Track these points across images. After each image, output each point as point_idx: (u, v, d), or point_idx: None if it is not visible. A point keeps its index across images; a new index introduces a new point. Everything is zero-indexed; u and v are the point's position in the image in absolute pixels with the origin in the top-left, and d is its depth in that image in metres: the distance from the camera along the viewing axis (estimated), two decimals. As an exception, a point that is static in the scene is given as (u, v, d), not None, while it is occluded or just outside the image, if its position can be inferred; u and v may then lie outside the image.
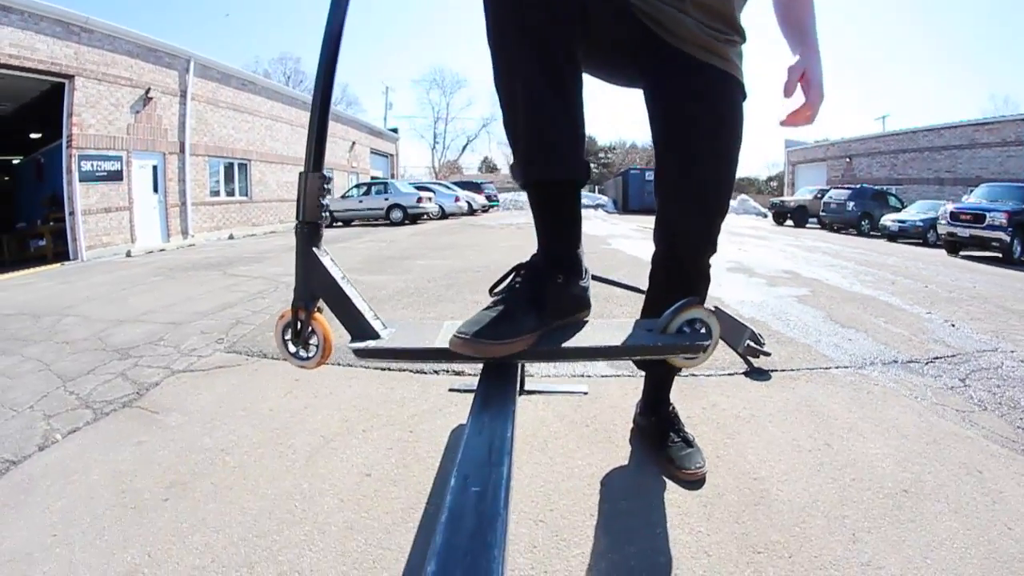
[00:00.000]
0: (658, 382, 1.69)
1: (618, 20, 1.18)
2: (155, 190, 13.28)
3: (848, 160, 28.16)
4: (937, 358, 2.95)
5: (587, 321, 1.20)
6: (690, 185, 1.29)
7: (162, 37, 13.40)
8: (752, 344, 2.54)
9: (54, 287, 6.47)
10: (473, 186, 27.40)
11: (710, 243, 1.37)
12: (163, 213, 13.46)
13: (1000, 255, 10.86)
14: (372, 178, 27.32)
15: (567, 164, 1.10)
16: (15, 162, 16.36)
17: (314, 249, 1.14)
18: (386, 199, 17.87)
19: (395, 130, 33.86)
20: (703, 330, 1.13)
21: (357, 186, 20.15)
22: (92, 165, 11.25)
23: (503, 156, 55.13)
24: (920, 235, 14.69)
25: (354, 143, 26.04)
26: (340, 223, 18.34)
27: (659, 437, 1.67)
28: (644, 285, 1.56)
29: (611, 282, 2.57)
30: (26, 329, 4.00)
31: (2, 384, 2.71)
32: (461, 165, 54.49)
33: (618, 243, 9.82)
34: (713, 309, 0.95)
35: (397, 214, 17.57)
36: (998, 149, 19.69)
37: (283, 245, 10.77)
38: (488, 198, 26.73)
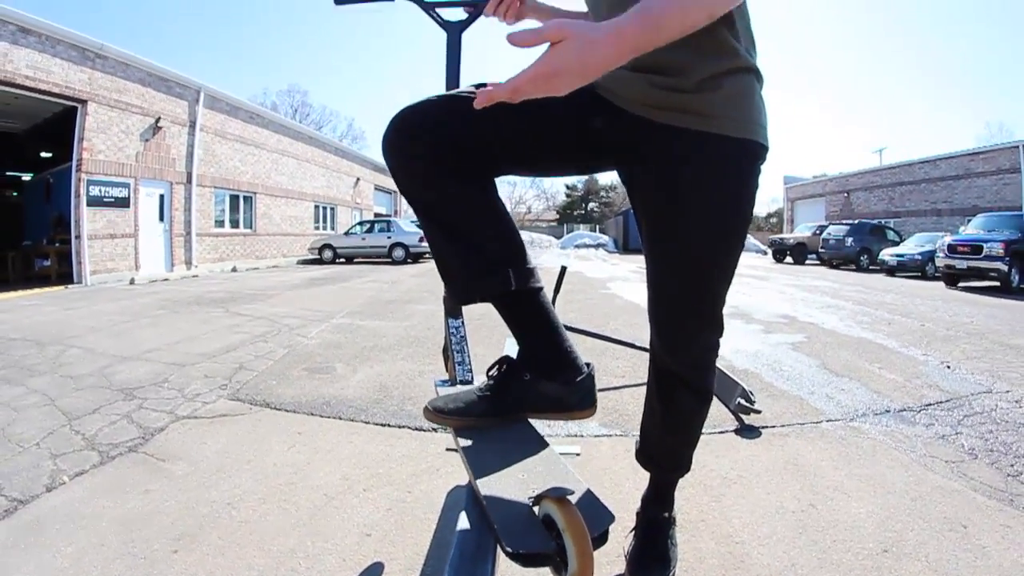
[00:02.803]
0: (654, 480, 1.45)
1: (580, 109, 1.04)
2: (161, 219, 13.47)
3: (846, 195, 28.48)
4: (930, 404, 3.01)
5: (529, 424, 1.14)
6: (662, 309, 1.12)
7: (171, 63, 13.69)
8: (743, 402, 2.59)
9: (58, 313, 6.56)
10: None
11: (700, 370, 1.16)
12: (168, 242, 13.62)
13: (999, 283, 10.98)
14: (376, 215, 27.59)
15: (496, 279, 1.04)
16: (25, 178, 16.52)
17: None
18: (389, 237, 17.97)
19: None
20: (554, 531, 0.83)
21: (360, 223, 20.32)
22: (100, 190, 11.44)
23: (504, 196, 55.80)
24: (919, 268, 14.79)
25: (358, 179, 26.32)
26: (343, 259, 18.46)
27: (640, 537, 1.40)
28: (641, 333, 1.53)
29: (596, 336, 2.57)
30: (31, 357, 4.08)
31: (7, 417, 2.77)
32: None
33: (616, 287, 9.82)
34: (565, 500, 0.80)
35: (400, 253, 17.66)
36: (993, 178, 19.89)
37: (285, 282, 10.87)
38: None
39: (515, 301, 1.09)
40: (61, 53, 10.70)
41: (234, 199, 16.71)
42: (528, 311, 1.10)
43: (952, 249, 11.83)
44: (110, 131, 11.84)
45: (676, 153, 0.98)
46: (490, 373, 1.16)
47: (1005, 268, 10.85)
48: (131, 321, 5.86)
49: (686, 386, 1.16)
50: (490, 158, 1.04)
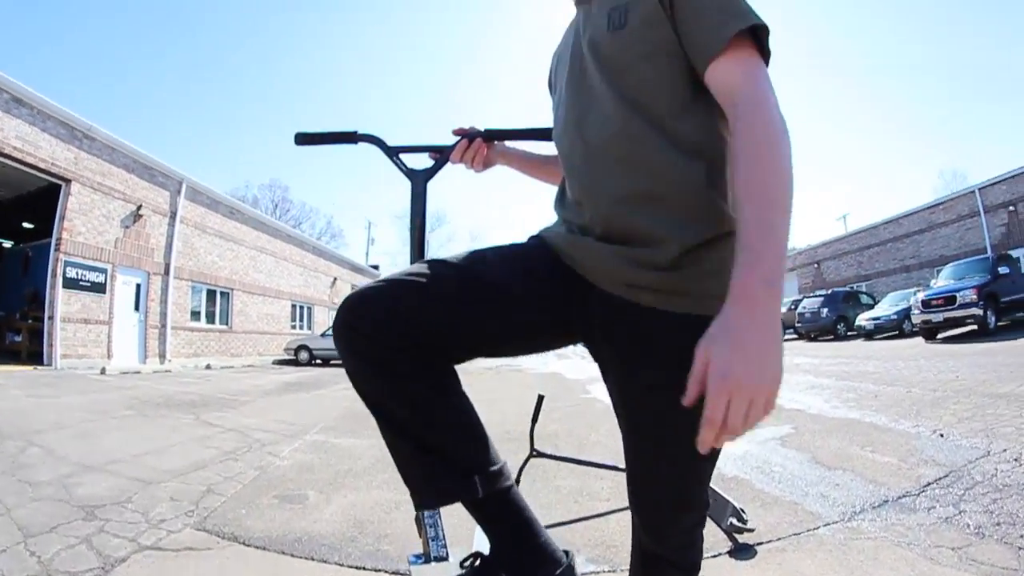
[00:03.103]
0: None
1: (545, 288, 0.96)
2: (136, 308, 13.32)
3: (816, 265, 29.35)
4: (928, 484, 2.92)
5: None
6: (642, 495, 1.02)
7: (155, 147, 14.08)
8: (735, 522, 2.47)
9: (24, 399, 6.32)
10: None
11: (686, 549, 1.05)
12: (142, 333, 13.39)
13: (976, 327, 11.23)
14: None
15: (459, 487, 0.92)
16: (6, 245, 16.30)
17: None
18: None
19: (376, 267, 34.24)
20: None
21: None
22: (77, 273, 11.33)
23: None
24: (896, 327, 15.09)
25: (335, 279, 26.40)
26: (319, 361, 18.08)
27: None
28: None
29: (577, 461, 2.42)
30: (-11, 450, 3.82)
31: (-43, 522, 2.55)
32: None
33: (597, 389, 8.97)
34: None
35: None
36: (955, 225, 20.55)
37: (259, 387, 10.38)
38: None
39: (484, 503, 0.96)
40: (51, 129, 10.85)
41: (211, 294, 16.64)
42: (498, 512, 0.97)
43: (927, 304, 12.17)
44: (92, 213, 11.87)
45: (654, 337, 0.88)
46: (464, 565, 1.01)
47: (980, 312, 11.19)
48: (98, 421, 5.60)
49: (673, 566, 1.04)
50: (447, 348, 0.93)
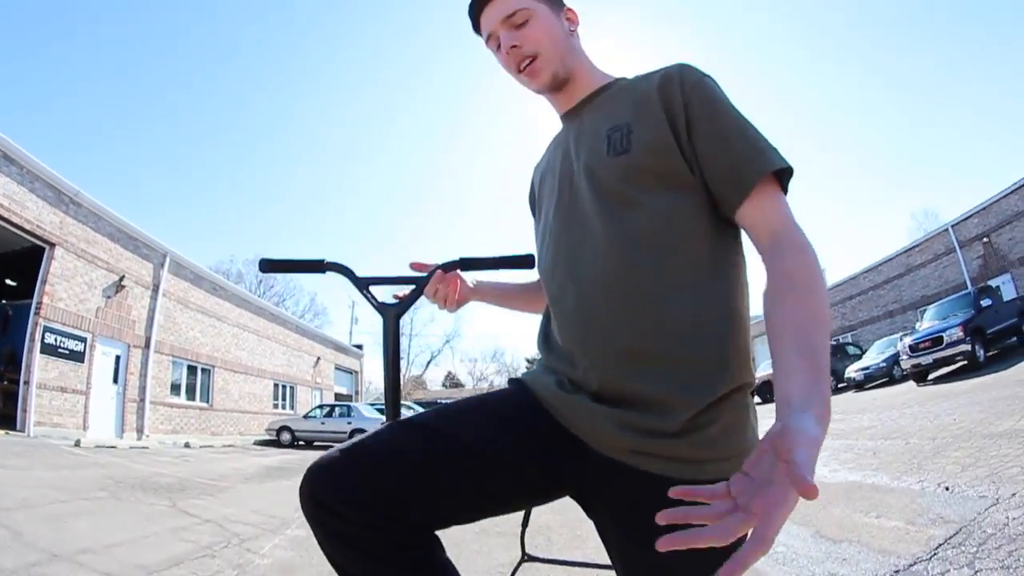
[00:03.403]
0: None
1: (538, 452, 0.87)
2: (115, 381, 12.98)
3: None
4: (940, 545, 2.80)
5: None
6: None
7: (142, 216, 14.03)
8: None
9: None
10: (436, 406, 27.74)
11: None
12: (120, 406, 13.00)
13: (966, 363, 11.17)
14: (336, 395, 27.32)
15: None
16: None
17: None
18: (349, 423, 16.83)
19: (360, 346, 33.91)
20: None
21: (320, 407, 19.60)
22: (56, 339, 11.04)
23: (466, 372, 57.61)
24: (885, 374, 15.07)
25: (319, 358, 26.07)
26: (302, 442, 17.42)
27: None
28: None
29: (570, 563, 2.27)
30: (-51, 528, 3.56)
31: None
32: (426, 380, 55.55)
33: None
34: None
35: None
36: (933, 265, 20.65)
37: (240, 470, 9.79)
38: (451, 417, 26.61)
39: None
40: (38, 190, 10.76)
41: (192, 370, 16.31)
42: None
43: (914, 348, 12.15)
44: (74, 280, 11.68)
45: (663, 504, 0.80)
46: None
47: (968, 347, 11.16)
48: (69, 502, 5.31)
49: None
50: (424, 520, 0.83)
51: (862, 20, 66.48)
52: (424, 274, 1.17)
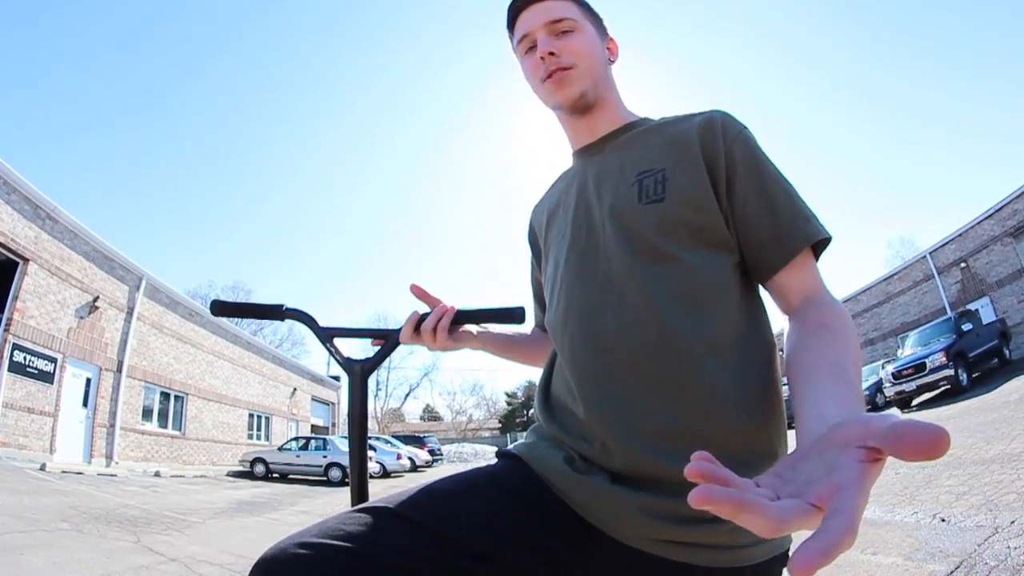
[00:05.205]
0: None
1: (551, 545, 0.73)
2: (85, 404, 12.14)
3: (782, 352, 29.79)
4: (942, 582, 2.55)
5: None
6: None
7: (117, 242, 13.46)
8: None
9: None
10: (415, 440, 26.94)
11: None
12: (89, 431, 12.14)
13: (950, 387, 11.19)
14: (313, 427, 26.52)
15: None
16: None
17: None
18: (325, 456, 16.26)
19: (337, 378, 32.88)
20: None
21: (296, 439, 18.54)
22: (24, 358, 10.36)
23: (444, 405, 57.07)
24: (869, 402, 15.09)
25: (295, 389, 25.45)
26: (276, 475, 16.46)
27: None
28: None
29: None
30: None
31: None
32: (404, 413, 55.03)
33: None
34: None
35: (336, 473, 15.84)
36: (912, 292, 20.98)
37: (210, 504, 9.03)
38: (431, 452, 25.65)
39: None
40: (14, 203, 10.36)
41: (164, 396, 15.50)
42: None
43: (897, 375, 12.23)
44: (46, 298, 11.09)
45: None
46: None
47: (952, 372, 11.21)
48: (26, 533, 4.91)
49: None
50: None
51: (838, 48, 69.14)
52: (395, 328, 1.03)
